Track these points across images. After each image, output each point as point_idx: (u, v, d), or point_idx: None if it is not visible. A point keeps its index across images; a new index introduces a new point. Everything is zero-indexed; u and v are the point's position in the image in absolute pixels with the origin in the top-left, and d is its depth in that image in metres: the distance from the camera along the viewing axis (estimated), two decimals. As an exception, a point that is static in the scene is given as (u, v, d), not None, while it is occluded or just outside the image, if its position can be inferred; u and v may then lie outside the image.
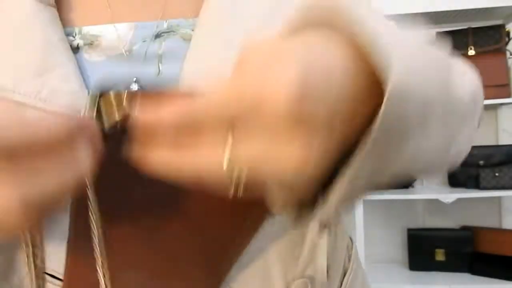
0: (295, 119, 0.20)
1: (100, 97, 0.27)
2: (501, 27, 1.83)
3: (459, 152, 0.36)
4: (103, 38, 0.41)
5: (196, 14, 0.43)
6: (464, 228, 1.92)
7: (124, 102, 0.27)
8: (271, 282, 0.40)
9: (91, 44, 0.41)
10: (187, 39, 0.42)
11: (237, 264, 0.38)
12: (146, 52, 0.41)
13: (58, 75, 0.38)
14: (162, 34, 0.42)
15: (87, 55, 0.41)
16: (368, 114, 0.23)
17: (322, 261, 0.45)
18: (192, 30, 0.42)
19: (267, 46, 0.23)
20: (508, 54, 1.82)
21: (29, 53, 0.38)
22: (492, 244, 1.81)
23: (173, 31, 0.42)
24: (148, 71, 0.41)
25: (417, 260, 1.88)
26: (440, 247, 1.85)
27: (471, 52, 1.82)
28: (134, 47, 0.42)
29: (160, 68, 0.41)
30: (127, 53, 0.41)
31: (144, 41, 0.42)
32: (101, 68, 0.41)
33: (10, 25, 0.39)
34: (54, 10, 0.41)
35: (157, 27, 0.42)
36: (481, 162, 1.78)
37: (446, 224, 1.96)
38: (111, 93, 0.28)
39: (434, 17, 1.89)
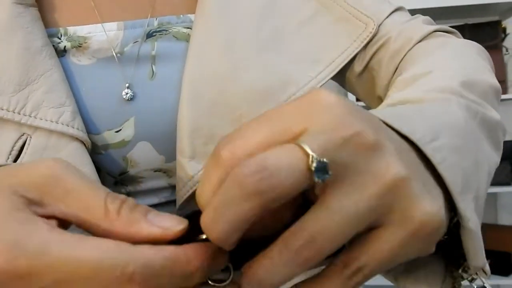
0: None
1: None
2: (497, 23, 1.83)
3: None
4: (92, 39, 0.39)
5: (187, 11, 0.42)
6: (460, 224, 1.93)
7: None
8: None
9: (80, 46, 0.39)
10: (180, 38, 0.40)
11: None
12: (138, 53, 0.39)
13: (42, 86, 0.36)
14: (154, 34, 0.40)
15: (75, 59, 0.39)
16: None
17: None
18: (186, 28, 0.41)
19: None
20: (504, 50, 1.82)
21: (10, 63, 0.35)
22: (488, 240, 1.81)
23: (165, 30, 0.40)
24: (141, 74, 0.39)
25: (414, 256, 1.88)
26: (436, 243, 1.85)
27: (468, 48, 1.82)
28: (126, 49, 0.39)
29: (154, 70, 0.39)
30: (119, 55, 0.39)
31: (135, 42, 0.40)
32: (91, 72, 0.39)
33: None
34: (35, 11, 0.38)
35: (147, 25, 0.40)
36: (477, 158, 1.78)
37: (442, 220, 1.96)
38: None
39: (431, 13, 1.89)
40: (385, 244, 0.21)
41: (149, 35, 0.40)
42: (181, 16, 0.41)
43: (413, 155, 0.23)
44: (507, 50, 1.83)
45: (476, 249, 0.25)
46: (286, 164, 0.18)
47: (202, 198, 0.21)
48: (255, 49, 0.39)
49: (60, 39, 0.39)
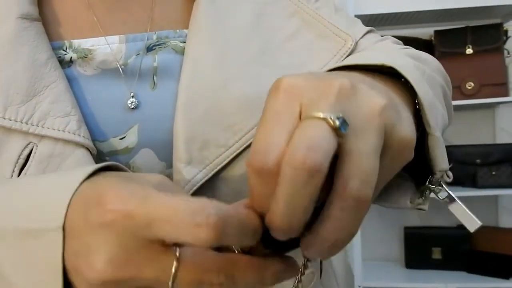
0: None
1: None
2: (499, 26, 1.83)
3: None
4: (96, 52, 0.41)
5: (183, 26, 0.44)
6: (461, 227, 1.92)
7: None
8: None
9: (85, 57, 0.40)
10: (178, 51, 0.42)
11: None
12: (141, 65, 0.41)
13: (48, 96, 0.37)
14: (154, 47, 0.42)
15: (81, 69, 0.41)
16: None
17: None
18: (182, 42, 0.43)
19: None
20: (506, 53, 1.82)
21: (17, 76, 0.37)
22: (489, 243, 1.82)
23: (164, 43, 0.42)
24: (143, 84, 0.41)
25: (414, 258, 1.88)
26: (436, 246, 1.85)
27: (469, 51, 1.82)
28: (129, 61, 0.41)
29: (155, 80, 0.41)
30: (122, 66, 0.41)
31: (137, 54, 0.42)
32: (97, 82, 0.40)
33: None
34: (40, 25, 0.40)
35: (147, 39, 0.42)
36: (479, 161, 1.78)
37: (443, 223, 1.96)
38: None
39: (433, 16, 1.89)
40: (384, 166, 0.25)
41: (149, 49, 0.42)
42: (178, 31, 0.43)
43: (381, 85, 0.29)
44: (508, 53, 1.83)
45: (442, 154, 0.31)
46: (319, 135, 0.22)
47: (261, 204, 0.24)
48: (245, 62, 0.42)
49: (65, 51, 0.41)
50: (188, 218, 0.22)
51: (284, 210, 0.22)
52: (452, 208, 0.32)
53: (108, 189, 0.24)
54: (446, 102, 0.42)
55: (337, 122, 0.22)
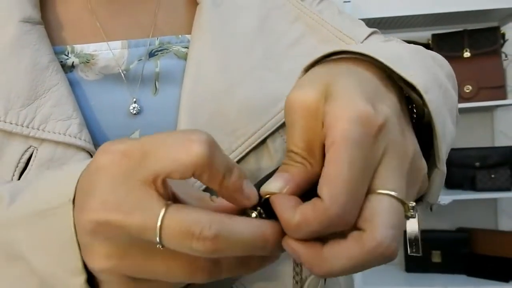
0: None
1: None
2: (496, 29, 1.84)
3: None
4: (99, 57, 0.40)
5: (186, 31, 0.44)
6: (460, 230, 1.93)
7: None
8: (283, 281, 0.40)
9: (87, 62, 0.40)
10: (180, 57, 0.42)
11: None
12: (143, 71, 0.41)
13: (50, 100, 0.37)
14: (156, 53, 0.42)
15: (83, 74, 0.40)
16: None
17: None
18: (184, 48, 0.42)
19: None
20: (503, 56, 1.82)
21: (18, 79, 0.37)
22: (488, 246, 1.82)
23: (166, 49, 0.42)
24: (145, 90, 0.41)
25: (414, 262, 1.88)
26: (436, 249, 1.85)
27: (467, 54, 1.82)
28: (131, 66, 0.41)
29: (157, 86, 0.41)
30: (124, 72, 0.41)
31: (139, 60, 0.41)
32: (99, 87, 0.40)
33: None
34: (42, 29, 0.40)
35: (149, 44, 0.42)
36: (477, 164, 1.79)
37: (442, 226, 1.96)
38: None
39: (431, 19, 1.90)
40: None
41: (152, 54, 0.42)
42: (180, 36, 0.43)
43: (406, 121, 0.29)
44: (506, 56, 1.84)
45: (438, 188, 0.31)
46: (400, 228, 0.24)
47: (302, 234, 0.24)
48: (249, 67, 0.41)
49: (67, 56, 0.40)
50: (181, 136, 0.23)
51: (335, 268, 0.23)
52: (409, 224, 0.34)
53: (106, 143, 0.25)
54: (454, 115, 0.40)
55: (411, 212, 0.25)
